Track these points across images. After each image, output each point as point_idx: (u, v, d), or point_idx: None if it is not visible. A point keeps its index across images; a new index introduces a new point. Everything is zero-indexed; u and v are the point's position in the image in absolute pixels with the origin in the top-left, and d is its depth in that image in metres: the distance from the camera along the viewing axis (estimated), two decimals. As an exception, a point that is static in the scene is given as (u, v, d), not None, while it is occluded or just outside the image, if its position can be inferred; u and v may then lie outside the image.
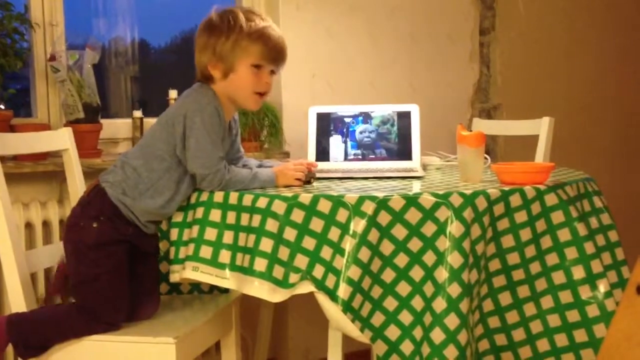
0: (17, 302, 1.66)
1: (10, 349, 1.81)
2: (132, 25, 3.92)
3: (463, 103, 3.10)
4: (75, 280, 1.65)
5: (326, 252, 1.47)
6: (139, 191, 1.63)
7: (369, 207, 1.45)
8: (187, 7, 3.81)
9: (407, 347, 1.48)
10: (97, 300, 1.62)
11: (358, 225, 1.45)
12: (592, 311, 1.56)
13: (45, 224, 2.18)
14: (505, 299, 1.58)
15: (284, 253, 1.49)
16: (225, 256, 1.55)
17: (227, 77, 1.66)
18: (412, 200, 1.47)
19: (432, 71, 2.97)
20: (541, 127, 2.46)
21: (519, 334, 1.59)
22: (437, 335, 1.43)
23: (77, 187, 1.95)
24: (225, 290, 1.94)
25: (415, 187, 1.64)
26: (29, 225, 2.15)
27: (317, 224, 1.48)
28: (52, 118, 2.32)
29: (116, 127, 2.43)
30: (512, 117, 3.04)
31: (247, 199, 1.54)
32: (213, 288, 1.94)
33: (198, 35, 1.69)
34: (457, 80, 3.06)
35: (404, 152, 2.07)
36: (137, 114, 2.34)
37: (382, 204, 1.46)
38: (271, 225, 1.50)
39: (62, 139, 1.96)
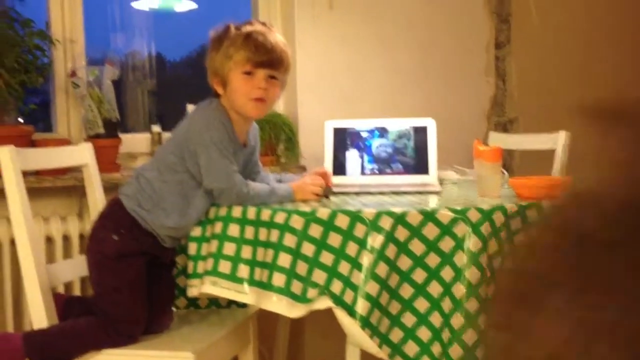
0: (39, 316, 1.68)
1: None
2: (149, 39, 3.96)
3: (479, 117, 3.10)
4: (96, 292, 1.67)
5: (344, 268, 1.48)
6: (153, 202, 1.64)
7: (386, 223, 1.46)
8: (204, 21, 3.85)
9: (425, 363, 1.48)
10: (117, 312, 1.63)
11: (375, 240, 1.46)
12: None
13: (65, 238, 2.21)
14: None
15: (302, 268, 1.50)
16: (243, 271, 1.56)
17: (226, 89, 1.66)
18: (429, 216, 1.47)
19: (448, 85, 2.98)
20: (558, 141, 2.46)
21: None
22: (455, 352, 1.43)
23: (97, 201, 1.97)
24: (243, 305, 1.95)
25: (433, 202, 1.65)
26: (49, 240, 2.18)
27: (335, 239, 1.49)
28: (73, 133, 2.35)
29: (135, 142, 2.46)
30: (528, 131, 3.03)
31: (265, 214, 1.56)
32: (230, 303, 1.95)
33: (211, 39, 1.71)
34: (472, 94, 3.06)
35: (421, 167, 2.07)
36: (156, 128, 2.36)
37: (400, 219, 1.46)
38: (289, 240, 1.51)
39: (82, 154, 1.99)
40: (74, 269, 1.88)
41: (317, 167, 1.90)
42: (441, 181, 2.13)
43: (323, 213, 1.51)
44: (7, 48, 1.97)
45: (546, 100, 3.26)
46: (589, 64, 3.36)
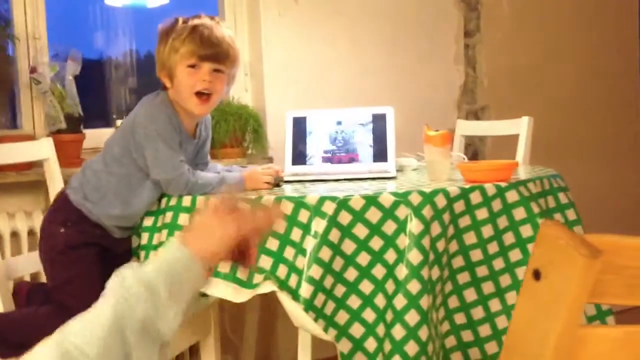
0: (-5, 308, 1.70)
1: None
2: (129, 36, 3.98)
3: (449, 105, 3.12)
4: (51, 285, 1.70)
5: (289, 253, 1.50)
6: (99, 195, 1.67)
7: (329, 208, 1.48)
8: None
9: (370, 345, 1.50)
10: (73, 302, 1.65)
11: (319, 225, 1.48)
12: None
13: (32, 233, 2.23)
14: (470, 295, 1.60)
15: (248, 254, 1.52)
16: (193, 259, 1.58)
17: (172, 83, 1.68)
18: (372, 200, 1.50)
19: (417, 74, 3.00)
20: (521, 127, 2.48)
21: (485, 330, 1.61)
22: (398, 332, 1.46)
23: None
24: (204, 295, 1.97)
25: (384, 187, 1.67)
26: (15, 235, 2.20)
27: (280, 225, 1.51)
28: (37, 129, 2.37)
29: (100, 137, 2.47)
30: (500, 118, 3.05)
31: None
32: (193, 292, 1.98)
33: (159, 32, 1.72)
34: (442, 83, 3.08)
35: (379, 154, 2.09)
36: (119, 123, 2.38)
37: (343, 204, 1.49)
38: (235, 227, 1.53)
39: (42, 149, 2.01)
40: (31, 264, 1.90)
41: (270, 165, 1.93)
42: (402, 168, 2.16)
43: (268, 200, 1.53)
44: (-35, 46, 1.99)
45: (517, 87, 3.29)
46: (558, 50, 3.38)
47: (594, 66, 3.48)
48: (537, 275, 0.76)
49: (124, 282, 0.86)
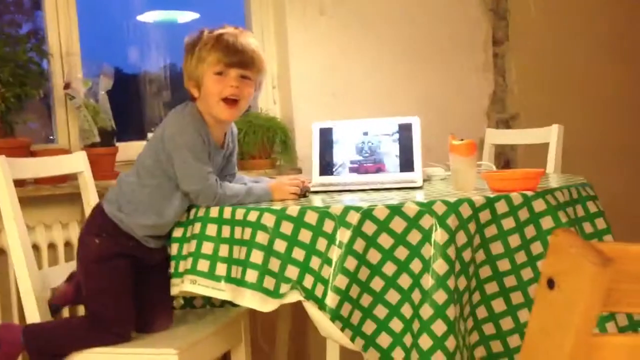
0: (32, 317, 1.75)
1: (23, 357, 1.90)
2: (164, 52, 4.06)
3: (479, 114, 3.11)
4: (85, 294, 1.74)
5: (315, 262, 1.52)
6: (133, 206, 1.71)
7: (353, 218, 1.50)
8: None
9: (398, 355, 1.50)
10: (105, 312, 1.70)
11: (344, 235, 1.49)
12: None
13: (68, 244, 2.29)
14: (499, 305, 1.59)
15: (274, 264, 1.54)
16: (221, 269, 1.61)
17: (200, 92, 1.72)
18: (396, 210, 1.51)
19: (445, 83, 3.00)
20: (551, 135, 2.47)
21: (514, 340, 1.60)
22: (425, 342, 1.46)
23: (92, 207, 2.04)
24: (234, 304, 2.00)
25: (410, 197, 1.68)
26: (51, 246, 2.26)
27: (305, 235, 1.53)
28: (72, 143, 2.43)
29: (132, 149, 2.53)
30: (531, 126, 3.03)
31: (239, 213, 1.61)
32: (225, 302, 2.00)
33: (185, 44, 1.76)
34: (471, 92, 3.08)
35: (406, 164, 2.10)
36: (150, 135, 2.43)
37: (367, 213, 1.50)
38: (261, 237, 1.55)
39: (77, 162, 2.07)
40: (67, 273, 1.95)
41: (297, 175, 1.95)
42: (429, 178, 2.16)
43: (293, 210, 1.55)
44: (2, 62, 2.06)
45: (548, 95, 3.26)
46: (588, 57, 3.35)
47: (627, 72, 3.43)
48: (550, 284, 0.77)
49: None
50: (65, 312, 2.22)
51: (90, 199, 2.06)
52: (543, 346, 0.78)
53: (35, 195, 2.22)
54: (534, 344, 0.79)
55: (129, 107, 3.68)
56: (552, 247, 0.74)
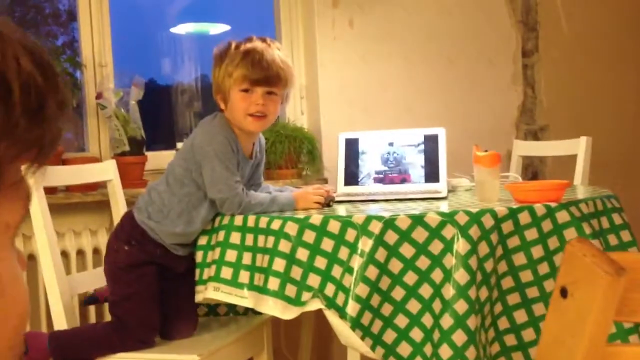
0: (60, 322, 1.79)
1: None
2: (195, 63, 4.12)
3: (507, 125, 3.09)
4: (111, 300, 1.77)
5: (336, 271, 1.53)
6: (162, 215, 1.74)
7: (375, 227, 1.50)
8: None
9: (418, 364, 1.51)
10: (130, 318, 1.73)
11: (366, 244, 1.50)
12: (609, 328, 1.54)
13: (96, 251, 2.33)
14: (520, 316, 1.58)
15: (296, 272, 1.56)
16: (244, 276, 1.63)
17: (227, 104, 1.75)
18: (418, 219, 1.51)
19: (473, 94, 3.00)
20: (579, 147, 2.45)
21: (536, 352, 1.59)
22: (445, 352, 1.46)
23: (120, 215, 2.08)
24: (259, 313, 2.01)
25: (433, 207, 1.68)
26: (80, 252, 2.30)
27: (327, 244, 1.54)
28: (103, 152, 2.48)
29: (162, 159, 2.57)
30: (560, 138, 3.01)
31: (263, 222, 1.63)
32: (248, 309, 2.02)
33: (214, 55, 1.78)
34: (499, 103, 3.06)
35: (431, 175, 2.10)
36: (180, 145, 2.47)
37: (389, 223, 1.51)
38: (284, 245, 1.57)
39: (106, 171, 2.11)
40: (95, 280, 1.99)
41: (321, 184, 1.97)
42: (454, 189, 2.16)
43: (316, 219, 1.56)
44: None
45: (577, 107, 3.23)
46: (618, 70, 3.31)
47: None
48: (564, 292, 0.77)
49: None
50: (92, 318, 2.26)
51: (119, 207, 2.10)
52: (556, 355, 0.78)
53: (65, 203, 2.27)
54: (547, 353, 0.79)
55: (160, 117, 3.74)
56: (567, 256, 0.75)
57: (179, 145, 2.51)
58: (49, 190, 2.02)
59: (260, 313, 2.00)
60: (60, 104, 0.41)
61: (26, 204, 0.42)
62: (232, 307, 2.03)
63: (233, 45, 1.74)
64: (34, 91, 0.39)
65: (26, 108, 0.39)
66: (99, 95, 2.33)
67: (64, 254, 2.24)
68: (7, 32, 0.40)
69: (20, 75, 0.39)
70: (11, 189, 0.39)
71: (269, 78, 1.71)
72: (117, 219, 2.08)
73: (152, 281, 1.74)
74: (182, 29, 3.51)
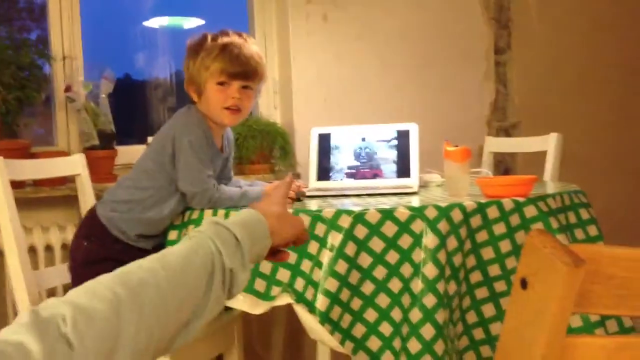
0: (26, 318, 1.76)
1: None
2: (169, 58, 4.09)
3: (479, 122, 3.11)
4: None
5: (306, 265, 1.53)
6: (128, 207, 1.72)
7: (345, 221, 1.50)
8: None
9: (387, 358, 1.51)
10: None
11: (335, 238, 1.50)
12: (575, 321, 1.56)
13: (65, 247, 2.30)
14: (488, 310, 1.59)
15: (266, 267, 1.55)
16: (213, 271, 1.62)
17: (200, 97, 1.74)
18: (387, 214, 1.51)
19: (446, 91, 3.01)
20: (549, 144, 2.47)
21: (504, 346, 1.60)
22: (414, 346, 1.46)
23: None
24: (230, 307, 2.00)
25: (403, 202, 1.68)
26: (48, 248, 2.27)
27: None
28: (72, 146, 2.45)
29: (132, 153, 2.55)
30: (531, 135, 3.04)
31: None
32: (218, 305, 2.01)
33: (187, 47, 1.76)
34: (472, 100, 3.08)
35: (403, 170, 2.10)
36: (151, 139, 2.45)
37: (358, 217, 1.51)
38: (253, 240, 1.56)
39: (75, 165, 2.08)
40: (62, 275, 1.96)
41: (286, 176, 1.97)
42: (426, 184, 2.17)
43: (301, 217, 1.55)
44: (4, 65, 2.08)
45: (549, 104, 3.26)
46: (590, 67, 3.35)
47: (628, 82, 3.43)
48: (523, 284, 0.77)
49: (210, 226, 0.83)
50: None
51: (88, 202, 2.07)
52: (516, 346, 0.78)
53: (33, 197, 2.24)
54: (508, 343, 0.80)
55: (134, 111, 3.71)
56: (527, 248, 0.75)
57: (150, 139, 2.49)
58: (16, 184, 1.98)
59: (230, 309, 2.00)
60: None
61: None
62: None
63: (209, 38, 1.72)
64: None
65: None
66: (67, 88, 2.30)
67: (32, 250, 2.21)
68: None
69: None
70: None
71: (246, 72, 1.71)
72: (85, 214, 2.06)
73: None
74: (156, 22, 3.47)
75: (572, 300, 0.73)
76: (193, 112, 1.73)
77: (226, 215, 1.63)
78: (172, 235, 1.74)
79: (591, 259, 0.74)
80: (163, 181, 1.71)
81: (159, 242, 1.78)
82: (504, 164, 3.15)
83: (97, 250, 1.71)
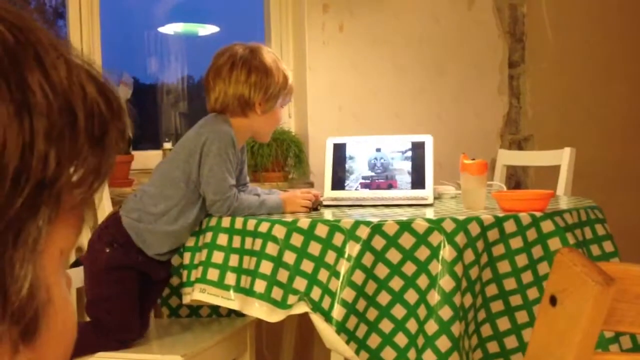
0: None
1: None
2: (183, 63, 4.12)
3: (492, 135, 3.12)
4: (90, 299, 1.76)
5: (323, 275, 1.54)
6: (154, 217, 1.73)
7: (363, 232, 1.51)
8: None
9: (402, 369, 1.52)
10: (108, 319, 1.72)
11: (353, 249, 1.51)
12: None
13: (80, 250, 2.31)
14: (503, 324, 1.60)
15: (283, 275, 1.56)
16: (230, 278, 1.63)
17: (265, 114, 1.81)
18: (405, 225, 1.52)
19: (460, 103, 3.02)
20: (562, 158, 2.48)
21: (517, 359, 1.61)
22: (429, 357, 1.47)
23: (105, 214, 2.07)
24: (243, 314, 2.01)
25: (419, 214, 1.69)
26: (63, 252, 2.28)
27: (315, 248, 1.55)
28: (89, 150, 2.47)
29: (147, 158, 2.56)
30: (544, 149, 3.04)
31: (251, 224, 1.63)
32: (231, 311, 2.02)
33: (243, 70, 1.78)
34: (485, 112, 3.09)
35: (417, 182, 2.11)
36: (167, 145, 2.47)
37: (377, 228, 1.52)
38: (271, 248, 1.57)
39: (92, 169, 2.09)
40: (75, 278, 1.97)
41: (309, 189, 2.01)
42: (440, 196, 2.17)
43: (304, 223, 1.57)
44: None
45: (562, 118, 3.27)
46: (603, 82, 3.35)
47: (641, 98, 3.43)
48: (553, 301, 0.78)
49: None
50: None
51: (104, 205, 2.08)
52: (542, 362, 0.79)
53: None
54: (536, 359, 0.81)
55: (146, 116, 3.73)
56: (557, 265, 0.76)
57: (166, 145, 2.50)
58: (34, 187, 1.99)
59: (242, 315, 2.01)
60: (121, 132, 0.42)
61: (80, 229, 0.42)
62: (214, 309, 2.02)
63: (280, 66, 1.85)
64: (98, 119, 0.40)
65: (90, 136, 0.39)
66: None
67: (47, 252, 2.22)
68: (72, 58, 0.41)
69: (85, 103, 0.40)
70: (68, 215, 0.40)
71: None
72: (101, 218, 2.07)
73: (132, 284, 1.73)
74: (170, 28, 3.50)
75: (602, 318, 0.74)
76: (222, 121, 1.77)
77: (244, 223, 1.65)
78: (190, 242, 1.76)
79: (619, 277, 0.75)
80: (188, 190, 1.73)
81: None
82: (515, 178, 3.16)
83: (120, 258, 1.72)
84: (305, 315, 1.58)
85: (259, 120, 1.81)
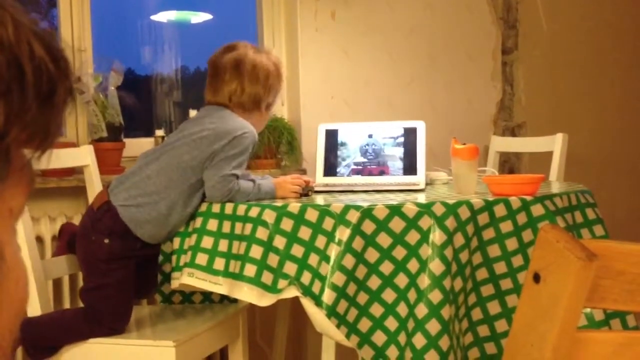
0: (33, 306, 1.77)
1: (19, 351, 1.92)
2: (175, 51, 4.10)
3: (486, 121, 3.12)
4: (84, 287, 1.76)
5: (313, 259, 1.54)
6: (154, 199, 1.72)
7: (353, 216, 1.51)
8: (221, 32, 3.96)
9: (392, 353, 1.52)
10: (102, 307, 1.72)
11: (343, 233, 1.51)
12: (580, 319, 1.56)
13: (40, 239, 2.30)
14: (494, 307, 1.60)
15: (273, 260, 1.56)
16: (219, 263, 1.63)
17: (268, 110, 1.88)
18: (395, 210, 1.52)
19: (453, 90, 3.02)
20: (555, 144, 2.48)
21: (508, 343, 1.61)
22: (419, 341, 1.47)
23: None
24: (235, 300, 2.02)
25: (410, 199, 1.69)
26: (55, 238, 2.28)
27: (305, 232, 1.55)
28: (80, 137, 2.46)
29: (140, 146, 2.56)
30: (537, 135, 3.04)
31: (241, 209, 1.63)
32: (224, 298, 2.02)
33: (263, 71, 1.83)
34: (478, 99, 3.09)
35: (409, 168, 2.11)
36: (159, 132, 2.46)
37: (367, 213, 1.52)
38: (261, 233, 1.57)
39: (83, 156, 2.09)
40: (69, 265, 1.97)
41: (299, 174, 2.01)
42: (432, 182, 2.17)
43: (294, 207, 1.57)
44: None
45: (555, 104, 3.27)
46: (596, 69, 3.35)
47: (635, 83, 3.43)
48: (536, 278, 0.78)
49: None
50: (66, 304, 2.24)
51: (96, 193, 2.08)
52: (527, 339, 0.79)
53: (41, 187, 2.25)
54: (519, 336, 0.81)
55: (139, 105, 3.71)
56: (540, 242, 0.76)
57: (158, 132, 2.49)
58: (25, 174, 1.99)
59: (236, 301, 2.01)
60: (68, 91, 0.42)
61: (29, 190, 0.42)
62: (207, 296, 2.02)
63: (280, 65, 1.92)
64: (46, 77, 0.40)
65: (38, 93, 0.39)
66: (77, 80, 2.31)
67: (39, 239, 2.22)
68: (19, 17, 0.40)
69: (32, 60, 0.39)
70: (17, 174, 0.39)
71: None
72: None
73: (129, 272, 1.73)
74: (163, 16, 3.48)
75: (584, 295, 0.74)
76: (236, 115, 1.82)
77: (234, 208, 1.64)
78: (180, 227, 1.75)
79: (602, 254, 0.75)
80: (193, 179, 1.72)
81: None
82: (508, 164, 3.16)
83: (120, 248, 1.72)
84: (298, 303, 1.58)
85: (257, 118, 1.85)
